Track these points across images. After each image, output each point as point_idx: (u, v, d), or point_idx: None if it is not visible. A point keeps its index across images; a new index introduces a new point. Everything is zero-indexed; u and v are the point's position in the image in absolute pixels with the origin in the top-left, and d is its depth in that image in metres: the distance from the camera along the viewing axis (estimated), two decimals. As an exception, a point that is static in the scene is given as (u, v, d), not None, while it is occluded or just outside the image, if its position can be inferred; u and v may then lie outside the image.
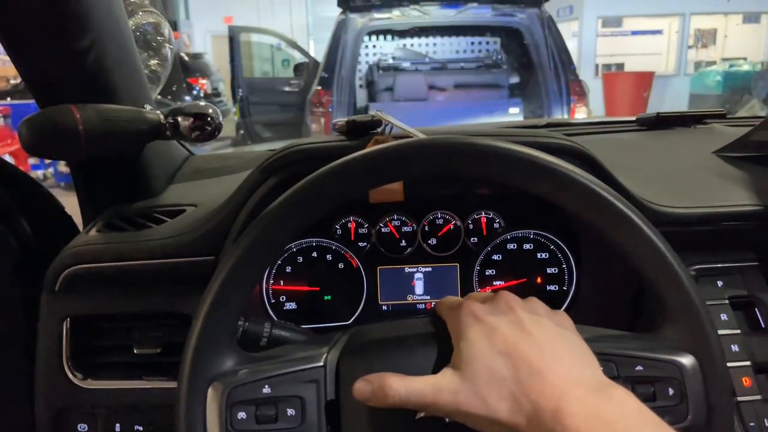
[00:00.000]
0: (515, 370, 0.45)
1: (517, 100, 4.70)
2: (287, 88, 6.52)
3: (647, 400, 0.48)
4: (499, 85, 4.91)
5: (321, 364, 0.53)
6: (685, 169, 0.85)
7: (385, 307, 0.87)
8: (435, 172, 0.52)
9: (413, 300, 0.87)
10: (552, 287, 0.87)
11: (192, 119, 0.68)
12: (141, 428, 0.70)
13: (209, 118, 0.69)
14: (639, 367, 0.50)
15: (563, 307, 0.86)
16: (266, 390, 0.51)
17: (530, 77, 4.70)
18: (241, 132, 6.39)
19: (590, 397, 0.42)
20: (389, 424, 0.50)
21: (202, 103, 0.70)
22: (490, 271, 0.87)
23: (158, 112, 0.70)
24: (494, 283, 0.87)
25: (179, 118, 0.68)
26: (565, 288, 0.86)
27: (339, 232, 0.85)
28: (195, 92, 8.27)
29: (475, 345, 0.48)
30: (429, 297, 0.87)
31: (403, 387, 0.47)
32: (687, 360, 0.50)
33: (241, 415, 0.50)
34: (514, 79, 5.00)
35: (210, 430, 0.49)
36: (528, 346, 0.46)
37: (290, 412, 0.51)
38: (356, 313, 0.86)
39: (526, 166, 0.51)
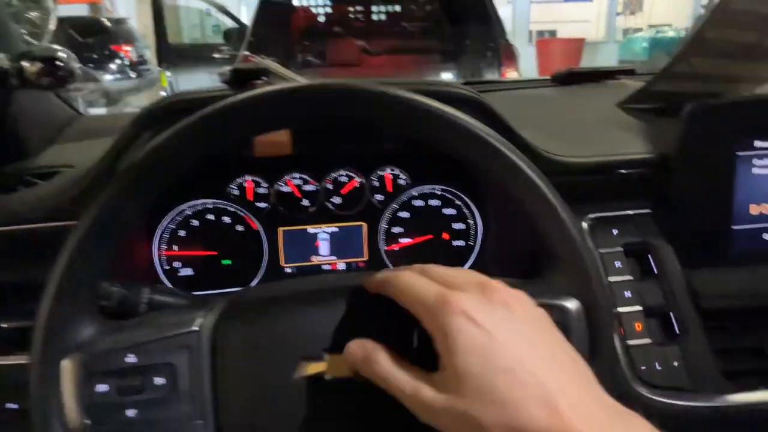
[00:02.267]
0: (520, 391, 0.37)
1: (450, 65, 4.69)
2: (217, 55, 6.26)
3: None
4: (431, 50, 4.87)
5: (195, 328, 0.49)
6: (588, 122, 0.85)
7: (289, 270, 0.84)
8: (311, 117, 0.49)
9: (318, 261, 0.84)
10: (459, 243, 0.85)
11: (40, 64, 0.61)
12: (16, 406, 0.64)
13: (60, 62, 0.62)
14: None
15: (469, 263, 0.85)
16: (131, 359, 0.47)
17: (462, 42, 4.69)
18: (169, 101, 6.11)
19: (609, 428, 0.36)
20: (267, 394, 0.47)
21: (55, 46, 0.63)
22: (397, 228, 0.85)
23: (1, 55, 0.63)
24: (401, 240, 0.85)
25: (25, 63, 0.61)
26: (471, 243, 0.85)
27: (235, 192, 0.80)
28: (119, 60, 7.86)
29: (472, 358, 0.38)
30: (335, 257, 0.84)
31: (388, 368, 0.43)
32: (572, 304, 0.49)
33: (102, 387, 0.46)
34: (448, 45, 4.98)
35: (66, 405, 0.45)
36: (534, 362, 0.38)
37: (159, 381, 0.47)
38: (258, 278, 0.82)
39: (404, 108, 0.48)
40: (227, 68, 0.70)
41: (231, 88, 0.69)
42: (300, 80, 0.63)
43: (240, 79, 0.68)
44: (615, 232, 0.71)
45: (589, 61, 10.43)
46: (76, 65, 0.63)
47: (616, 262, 0.69)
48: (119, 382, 0.46)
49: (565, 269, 0.50)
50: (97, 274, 0.48)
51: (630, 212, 0.73)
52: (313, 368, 0.47)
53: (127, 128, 0.65)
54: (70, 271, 0.46)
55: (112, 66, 7.65)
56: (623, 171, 0.71)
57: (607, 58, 10.93)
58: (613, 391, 0.50)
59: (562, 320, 0.49)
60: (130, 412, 0.46)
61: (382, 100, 0.47)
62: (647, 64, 9.34)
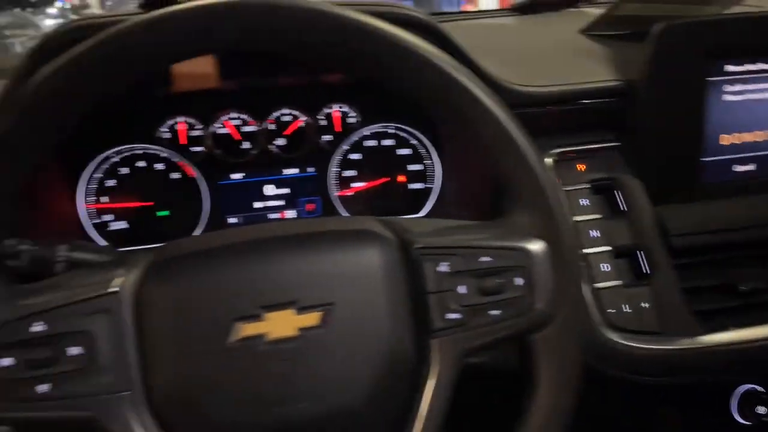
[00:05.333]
0: None
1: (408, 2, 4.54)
2: (162, -3, 5.94)
3: (494, 293, 0.43)
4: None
5: (115, 289, 0.42)
6: (549, 50, 0.79)
7: (233, 220, 0.77)
8: (228, 41, 0.41)
9: (264, 209, 0.78)
10: (416, 185, 0.80)
11: None
12: None
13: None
14: (484, 258, 0.44)
15: (428, 206, 0.80)
16: (38, 327, 0.40)
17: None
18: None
19: None
20: (200, 360, 0.41)
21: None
22: (349, 172, 0.79)
23: None
24: (353, 185, 0.79)
25: None
26: (429, 185, 0.80)
27: (167, 135, 0.72)
28: (60, 4, 7.41)
29: None
30: (283, 203, 0.78)
31: None
32: (535, 246, 0.44)
33: (6, 361, 0.40)
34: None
35: None
36: None
37: (74, 350, 0.40)
38: (200, 230, 0.76)
39: (340, 28, 0.41)
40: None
41: (146, 9, 0.60)
42: None
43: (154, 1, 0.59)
44: (580, 167, 0.66)
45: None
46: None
47: (581, 200, 0.64)
48: (26, 354, 0.40)
49: (528, 208, 0.45)
50: None
51: (596, 146, 0.68)
52: (251, 329, 0.42)
53: (23, 60, 0.57)
54: None
55: (52, 11, 7.22)
56: (587, 101, 0.66)
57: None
58: (581, 338, 0.47)
59: (525, 263, 0.44)
60: (42, 388, 0.40)
61: (311, 18, 0.40)
62: None
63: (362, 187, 0.79)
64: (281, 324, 0.41)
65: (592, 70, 0.70)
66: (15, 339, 0.40)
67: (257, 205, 0.77)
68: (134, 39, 0.39)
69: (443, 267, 0.43)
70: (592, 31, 0.82)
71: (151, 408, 0.40)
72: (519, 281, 0.44)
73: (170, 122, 0.72)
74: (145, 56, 0.40)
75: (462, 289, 0.43)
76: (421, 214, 0.80)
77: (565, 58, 0.74)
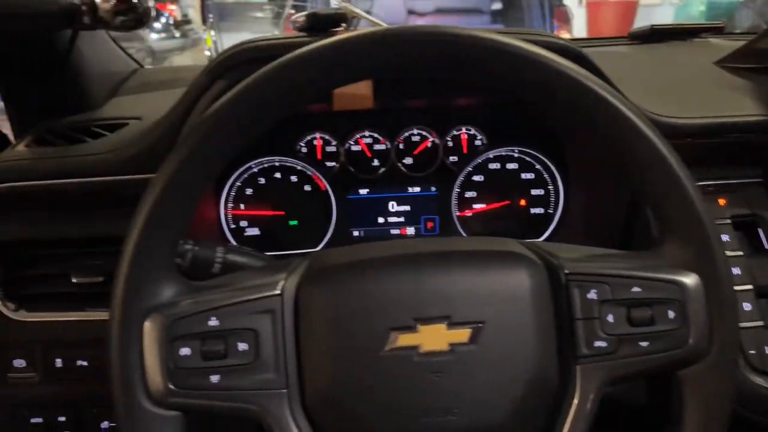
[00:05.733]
0: None
1: (499, 26, 4.53)
2: (260, 14, 6.21)
3: (644, 324, 0.43)
4: (480, 10, 4.71)
5: (277, 292, 0.45)
6: (684, 80, 0.77)
7: (356, 233, 0.80)
8: (402, 67, 0.44)
9: (386, 224, 0.80)
10: (537, 210, 0.80)
11: (114, 1, 0.57)
12: (86, 363, 0.63)
13: (135, 0, 0.58)
14: (636, 288, 0.44)
15: (548, 232, 0.80)
16: (213, 322, 0.44)
17: (512, 2, 4.52)
18: (213, 61, 6.11)
19: None
20: (354, 366, 0.44)
21: (128, -16, 0.59)
22: (471, 193, 0.80)
23: (73, -8, 0.59)
24: (474, 206, 0.80)
25: (98, 0, 0.57)
26: (551, 210, 0.80)
27: (304, 150, 0.76)
28: (163, 19, 7.86)
29: None
30: (404, 221, 0.80)
31: None
32: (690, 279, 0.44)
33: (185, 351, 0.43)
34: (497, 5, 4.80)
35: (149, 368, 0.42)
36: None
37: (242, 346, 0.44)
38: (325, 240, 0.79)
39: (514, 58, 0.42)
40: (300, 15, 0.65)
41: (309, 34, 0.64)
42: (384, 26, 0.58)
43: (318, 24, 0.63)
44: (722, 201, 0.65)
45: (642, 25, 9.97)
46: (151, 4, 0.59)
47: (723, 236, 0.63)
48: (202, 346, 0.43)
49: (682, 240, 0.45)
50: (176, 233, 0.45)
51: (737, 181, 0.66)
52: (405, 339, 0.44)
53: (200, 77, 0.62)
54: (150, 229, 0.43)
55: (157, 25, 7.67)
56: (731, 135, 0.65)
57: (661, 22, 10.42)
58: (734, 378, 0.45)
59: (679, 297, 0.44)
60: (214, 378, 0.43)
61: (486, 47, 0.42)
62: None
63: (483, 208, 0.80)
64: (433, 337, 0.42)
65: (734, 104, 0.68)
66: (194, 331, 0.43)
67: (380, 220, 0.80)
68: (319, 61, 0.42)
69: (592, 294, 0.44)
70: (729, 62, 0.80)
71: (304, 407, 0.43)
72: (671, 314, 0.43)
73: (309, 137, 0.76)
74: (325, 78, 0.43)
75: (610, 318, 0.43)
76: (541, 240, 0.80)
77: (705, 90, 0.73)
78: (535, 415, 0.44)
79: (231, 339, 0.44)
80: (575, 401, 0.42)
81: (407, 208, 0.80)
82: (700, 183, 0.65)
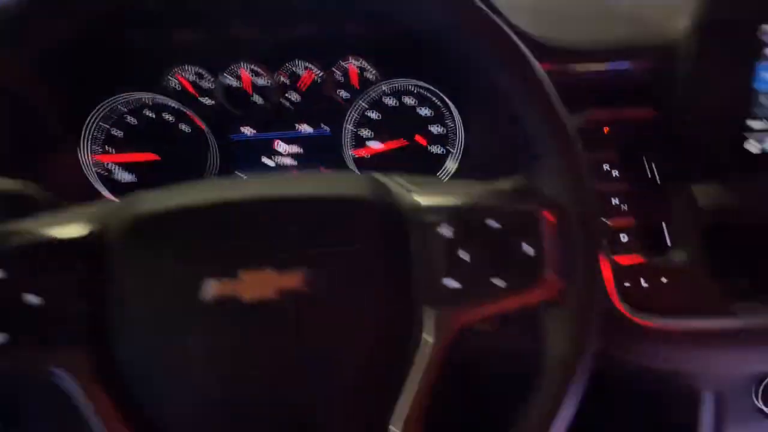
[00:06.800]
0: None
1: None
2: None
3: (500, 260, 0.39)
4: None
5: (80, 235, 0.38)
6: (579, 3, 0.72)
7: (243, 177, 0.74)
8: None
9: (275, 167, 0.74)
10: (437, 149, 0.75)
11: None
12: None
13: None
14: (492, 221, 0.40)
15: (449, 171, 0.75)
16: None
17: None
18: None
19: None
20: (168, 318, 0.38)
21: None
22: (366, 131, 0.75)
23: None
24: (369, 145, 0.75)
25: None
26: (450, 148, 0.75)
27: (176, 86, 0.69)
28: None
29: None
30: (295, 162, 0.74)
31: None
32: (549, 211, 0.40)
33: None
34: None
35: None
36: None
37: (30, 299, 0.37)
38: None
39: None
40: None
41: None
42: None
43: None
44: (608, 134, 0.61)
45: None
46: None
47: (607, 167, 0.59)
48: None
49: (545, 169, 0.41)
50: None
51: (627, 113, 0.62)
52: (225, 287, 0.38)
53: None
54: None
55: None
56: (621, 62, 0.61)
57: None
58: (596, 316, 0.42)
59: (537, 230, 0.40)
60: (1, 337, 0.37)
61: None
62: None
63: (380, 148, 0.75)
64: (258, 284, 0.37)
65: (624, 29, 0.64)
66: None
67: (268, 162, 0.74)
68: None
69: (444, 230, 0.39)
70: None
71: (109, 370, 0.37)
72: (528, 249, 0.39)
73: (177, 70, 0.69)
74: None
75: (463, 255, 0.39)
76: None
77: (596, 14, 0.68)
78: (384, 367, 0.40)
79: (18, 290, 0.37)
80: (426, 347, 0.38)
81: (299, 149, 0.74)
82: (587, 114, 0.61)
